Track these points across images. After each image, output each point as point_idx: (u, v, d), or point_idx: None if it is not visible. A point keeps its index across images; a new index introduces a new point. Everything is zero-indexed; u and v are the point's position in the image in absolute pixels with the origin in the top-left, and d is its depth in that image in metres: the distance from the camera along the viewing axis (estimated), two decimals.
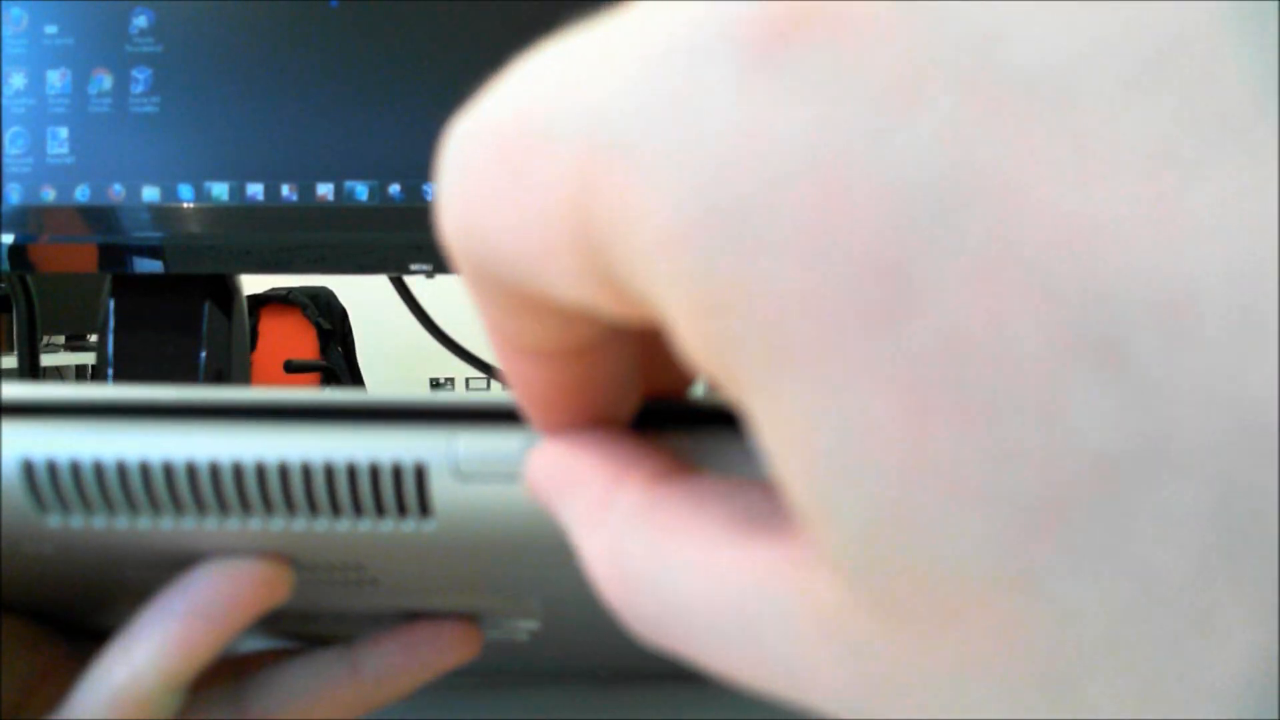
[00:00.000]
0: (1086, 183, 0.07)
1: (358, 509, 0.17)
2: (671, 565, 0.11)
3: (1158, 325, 0.07)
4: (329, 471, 0.17)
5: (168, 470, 0.17)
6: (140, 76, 0.49)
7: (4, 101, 0.49)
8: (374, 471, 0.17)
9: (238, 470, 0.17)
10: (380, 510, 0.17)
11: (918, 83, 0.07)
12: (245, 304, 0.61)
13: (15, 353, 1.49)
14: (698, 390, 0.16)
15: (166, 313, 0.56)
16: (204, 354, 0.56)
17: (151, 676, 0.18)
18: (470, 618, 0.23)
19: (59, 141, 0.50)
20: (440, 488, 0.17)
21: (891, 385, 0.07)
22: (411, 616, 0.23)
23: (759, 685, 0.10)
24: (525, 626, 0.24)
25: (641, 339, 0.14)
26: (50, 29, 0.49)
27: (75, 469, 0.17)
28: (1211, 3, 0.07)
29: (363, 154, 0.50)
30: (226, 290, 0.57)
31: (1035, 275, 0.07)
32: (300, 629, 0.24)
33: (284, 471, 0.17)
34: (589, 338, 0.12)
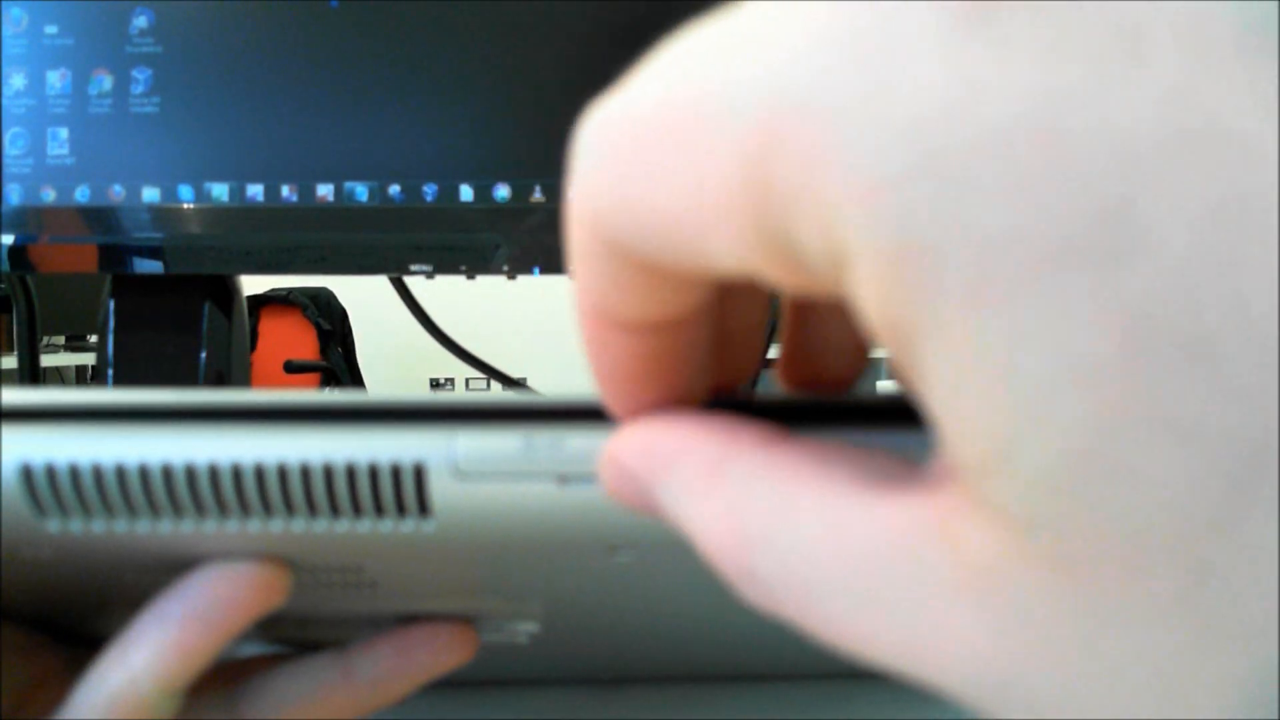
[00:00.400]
0: None
1: (357, 509, 0.17)
2: (798, 523, 0.11)
3: None
4: (328, 472, 0.17)
5: (166, 473, 0.17)
6: (140, 77, 0.49)
7: (4, 102, 0.49)
8: (373, 472, 0.17)
9: (236, 472, 0.17)
10: (379, 510, 0.17)
11: (1136, 42, 0.08)
12: (245, 304, 0.61)
13: (15, 353, 1.49)
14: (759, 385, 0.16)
15: (166, 313, 0.56)
16: (204, 354, 0.56)
17: (149, 680, 0.18)
18: (466, 620, 0.23)
19: (59, 142, 0.50)
20: (439, 487, 0.17)
21: (1111, 320, 0.08)
22: (407, 620, 0.23)
23: (879, 654, 0.10)
24: (525, 629, 0.24)
25: (721, 321, 0.14)
26: (50, 29, 0.49)
27: (74, 473, 0.17)
28: None
29: (363, 154, 0.50)
30: (226, 290, 0.57)
31: (1266, 219, 0.07)
32: (296, 634, 0.24)
33: (283, 473, 0.17)
34: (690, 307, 0.12)
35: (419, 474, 0.17)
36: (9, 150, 0.50)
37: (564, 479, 0.16)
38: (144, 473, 0.17)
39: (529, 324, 4.88)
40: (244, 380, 0.60)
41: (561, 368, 4.88)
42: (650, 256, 0.11)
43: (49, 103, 0.49)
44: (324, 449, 0.17)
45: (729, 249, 0.10)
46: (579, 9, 0.49)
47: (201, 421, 0.17)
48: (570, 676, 0.33)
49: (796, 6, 0.09)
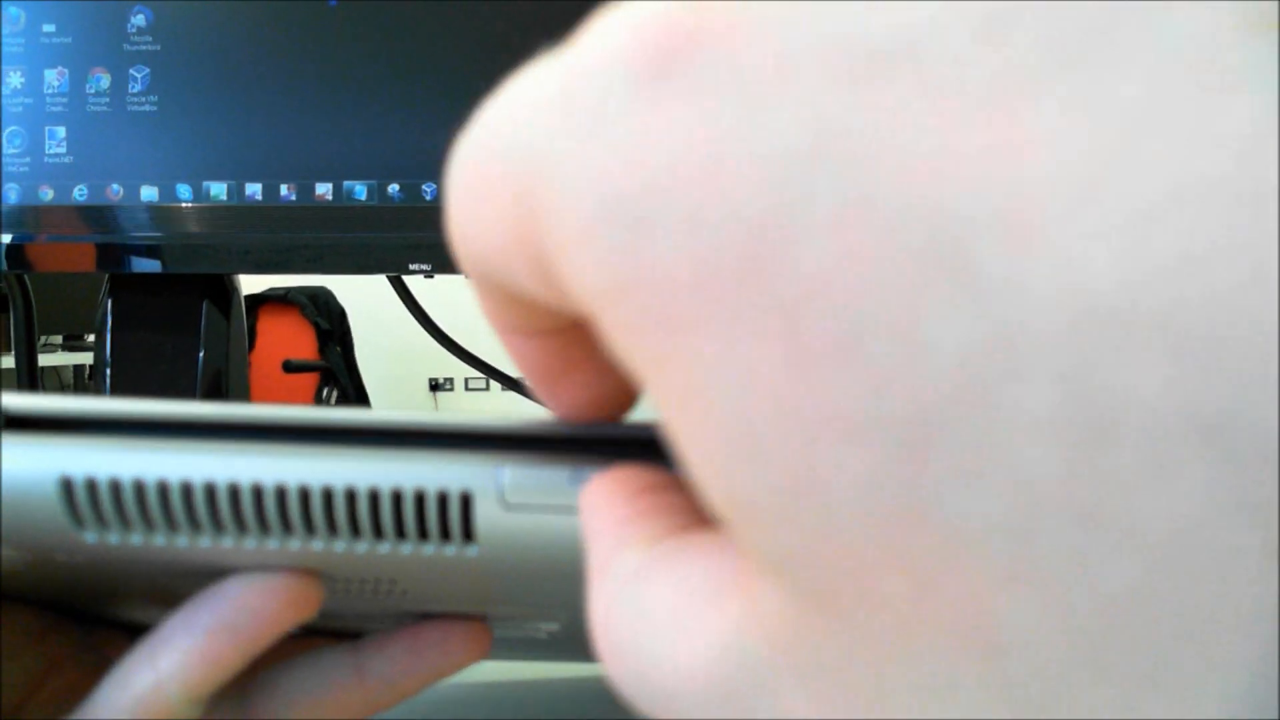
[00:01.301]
0: (934, 126, 0.08)
1: (400, 533, 0.17)
2: (653, 638, 0.11)
3: (998, 230, 0.07)
4: (373, 496, 0.17)
5: (209, 491, 0.17)
6: (138, 76, 0.49)
7: (2, 101, 0.49)
8: (419, 498, 0.17)
9: (281, 493, 0.17)
10: (423, 535, 0.17)
11: (782, 71, 0.08)
12: (243, 304, 0.61)
13: (13, 353, 1.49)
14: None
15: (164, 313, 0.56)
16: (202, 354, 0.56)
17: (175, 686, 0.18)
18: (480, 619, 0.23)
19: (57, 141, 0.49)
20: (485, 516, 0.17)
21: (771, 334, 0.08)
22: (421, 616, 0.23)
23: None
24: (545, 628, 0.24)
25: None
26: (48, 28, 0.49)
27: (115, 487, 0.17)
28: None
29: (361, 153, 0.50)
30: (225, 290, 0.57)
31: (887, 209, 0.07)
32: (313, 623, 0.24)
33: (328, 495, 0.17)
34: (566, 319, 0.13)
35: (465, 502, 0.17)
36: (7, 149, 0.49)
37: None
38: (187, 490, 0.17)
39: None
40: (242, 380, 0.59)
41: None
42: (496, 280, 0.12)
43: (47, 101, 0.49)
44: (370, 474, 0.17)
45: (524, 280, 0.11)
46: (578, 8, 0.49)
47: (247, 439, 0.17)
48: (581, 658, 0.33)
49: (546, 69, 0.10)
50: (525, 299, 0.12)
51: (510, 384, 0.69)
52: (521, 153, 0.10)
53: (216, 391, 0.56)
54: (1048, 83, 0.07)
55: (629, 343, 0.09)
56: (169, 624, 0.19)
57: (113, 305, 0.55)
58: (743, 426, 0.08)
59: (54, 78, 0.49)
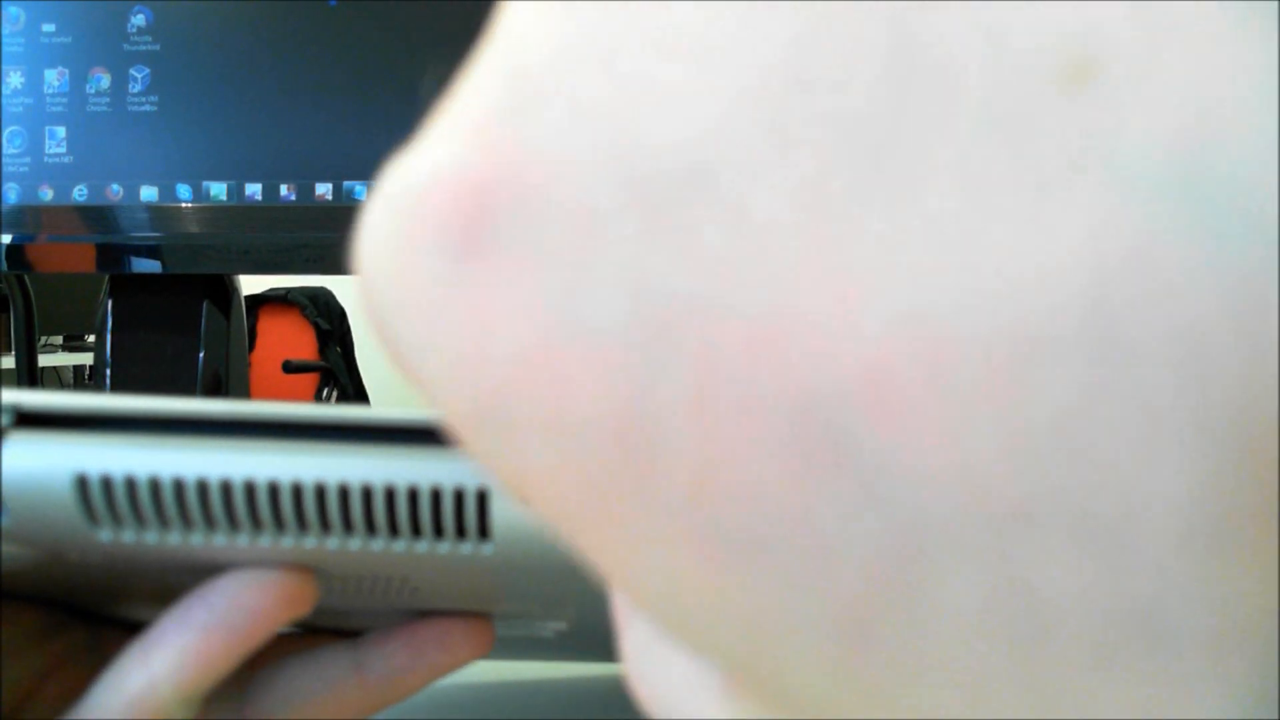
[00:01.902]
0: (758, 278, 0.07)
1: (416, 531, 0.17)
2: (676, 696, 0.11)
3: (867, 405, 0.06)
4: (389, 494, 0.17)
5: (225, 489, 0.17)
6: (138, 75, 0.49)
7: (2, 101, 0.49)
8: (435, 495, 0.17)
9: (297, 490, 0.17)
10: (439, 532, 0.17)
11: (588, 225, 0.07)
12: (243, 304, 0.61)
13: (13, 353, 1.49)
14: None
15: (164, 313, 0.56)
16: (202, 354, 0.56)
17: (168, 685, 0.18)
18: (483, 616, 0.22)
19: (57, 141, 0.49)
20: (501, 512, 0.17)
21: (676, 538, 0.07)
22: (423, 613, 0.22)
23: None
24: (553, 627, 0.24)
25: None
26: (48, 27, 0.49)
27: (130, 485, 0.16)
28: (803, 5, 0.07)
29: (361, 153, 0.50)
30: (225, 290, 0.57)
31: (745, 393, 0.07)
32: (312, 619, 0.24)
33: (344, 493, 0.17)
34: None
35: (482, 499, 0.17)
36: (7, 149, 0.49)
37: None
38: (202, 487, 0.16)
39: None
40: (242, 380, 0.59)
41: None
42: None
43: (47, 101, 0.49)
44: (386, 471, 0.17)
45: None
46: None
47: (262, 437, 0.17)
48: (586, 656, 0.33)
49: (382, 207, 0.09)
50: None
51: None
52: (373, 314, 0.10)
53: (216, 392, 0.56)
54: (858, 199, 0.06)
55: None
56: (162, 622, 0.19)
57: (113, 305, 0.55)
58: (680, 616, 0.08)
59: (54, 78, 0.49)
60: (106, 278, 0.55)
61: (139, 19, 0.49)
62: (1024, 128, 0.06)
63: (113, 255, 0.50)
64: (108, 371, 0.55)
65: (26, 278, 1.45)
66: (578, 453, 0.08)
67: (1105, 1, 0.06)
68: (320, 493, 0.17)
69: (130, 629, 0.22)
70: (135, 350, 0.56)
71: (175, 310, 0.56)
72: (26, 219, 0.50)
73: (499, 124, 0.08)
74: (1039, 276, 0.06)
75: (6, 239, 0.50)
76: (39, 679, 0.21)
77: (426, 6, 0.49)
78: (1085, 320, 0.06)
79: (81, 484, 0.16)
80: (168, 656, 0.18)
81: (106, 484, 0.16)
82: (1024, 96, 0.06)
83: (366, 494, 0.17)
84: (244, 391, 0.60)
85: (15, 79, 0.49)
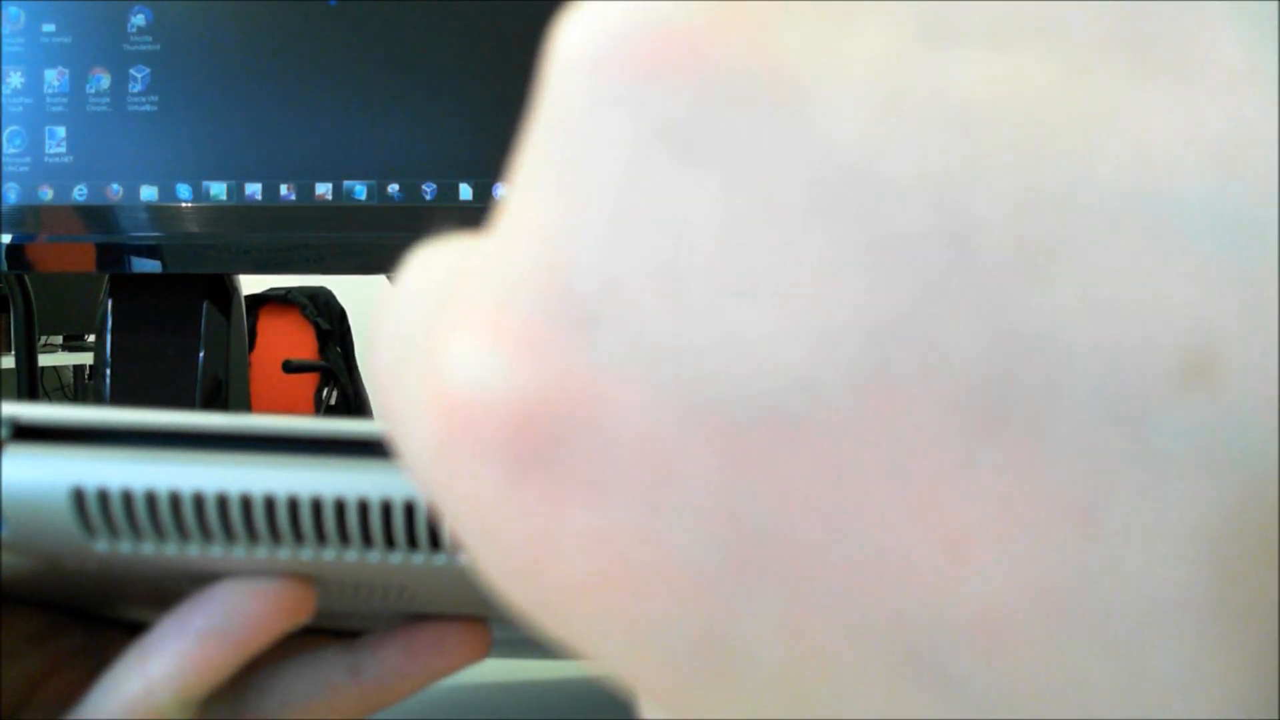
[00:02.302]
0: (853, 518, 0.07)
1: (413, 543, 0.17)
2: None
3: (970, 644, 0.07)
4: (385, 508, 0.17)
5: (222, 502, 0.17)
6: (138, 75, 0.49)
7: (2, 100, 0.49)
8: (431, 509, 0.17)
9: (293, 504, 0.17)
10: (435, 545, 0.17)
11: (663, 453, 0.07)
12: (243, 304, 0.61)
13: (13, 353, 1.49)
14: None
15: (164, 313, 0.56)
16: (202, 354, 0.56)
17: (165, 691, 0.18)
18: (479, 620, 0.22)
19: (57, 140, 0.49)
20: None
21: None
22: (419, 616, 0.22)
23: None
24: None
25: None
26: (48, 27, 0.49)
27: (127, 498, 0.17)
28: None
29: (361, 153, 0.50)
30: (225, 290, 0.57)
31: (847, 624, 0.07)
32: (309, 622, 0.24)
33: (340, 506, 0.17)
34: None
35: None
36: (7, 149, 0.49)
37: None
38: (199, 501, 0.17)
39: None
40: (242, 380, 0.59)
41: None
42: None
43: (47, 101, 0.49)
44: (383, 485, 0.17)
45: None
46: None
47: (259, 450, 0.17)
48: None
49: (416, 386, 0.09)
50: None
51: None
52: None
53: (217, 391, 0.56)
54: (965, 466, 0.07)
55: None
56: (160, 627, 0.19)
57: (113, 305, 0.55)
58: None
59: (54, 77, 0.49)
60: (106, 278, 0.55)
61: (139, 19, 0.49)
62: (1140, 419, 0.06)
63: (113, 255, 0.50)
64: (108, 371, 0.55)
65: (26, 278, 1.46)
66: (655, 657, 0.08)
67: (1215, 290, 0.06)
68: (316, 507, 0.17)
69: (129, 630, 0.22)
70: (135, 350, 0.56)
71: (175, 310, 0.56)
72: (26, 219, 0.50)
73: (549, 343, 0.08)
74: (1160, 558, 0.06)
75: (6, 239, 0.50)
76: (37, 680, 0.21)
77: (426, 6, 0.49)
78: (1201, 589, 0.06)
79: (78, 497, 0.17)
80: (165, 662, 0.18)
81: (103, 497, 0.17)
82: (1140, 389, 0.06)
83: (362, 508, 0.17)
84: (244, 391, 0.60)
85: (15, 79, 0.49)
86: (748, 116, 0.07)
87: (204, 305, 0.56)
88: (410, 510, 0.17)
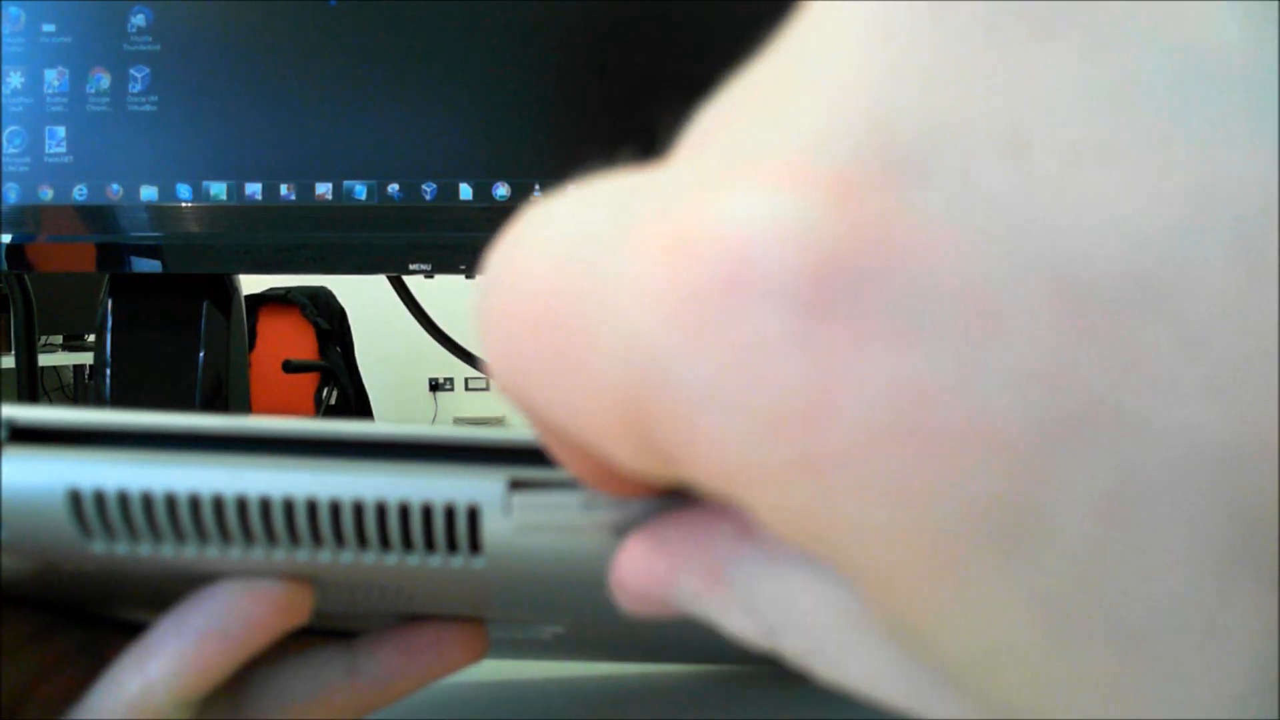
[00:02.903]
0: (1217, 385, 0.07)
1: (408, 545, 0.17)
2: (802, 606, 0.11)
3: None
4: (381, 510, 0.17)
5: (217, 504, 0.17)
6: (138, 75, 0.49)
7: (2, 100, 0.49)
8: (426, 511, 0.17)
9: (289, 505, 0.17)
10: (430, 546, 0.17)
11: (993, 308, 0.07)
12: (244, 303, 0.61)
13: (13, 353, 1.49)
14: None
15: (165, 312, 0.56)
16: (202, 354, 0.56)
17: (164, 692, 0.18)
18: (478, 621, 0.22)
19: (57, 140, 0.49)
20: (492, 530, 0.17)
21: (1032, 614, 0.07)
22: (416, 616, 0.23)
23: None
24: (550, 630, 0.24)
25: None
26: (48, 27, 0.49)
27: (123, 500, 0.17)
28: None
29: (361, 153, 0.50)
30: (225, 290, 0.57)
31: (1180, 503, 0.07)
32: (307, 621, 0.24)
33: (335, 508, 0.17)
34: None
35: (473, 515, 0.17)
36: (7, 149, 0.49)
37: (620, 531, 0.16)
38: (195, 502, 0.17)
39: None
40: (242, 380, 0.59)
41: None
42: (569, 438, 0.11)
43: (47, 101, 0.49)
44: (378, 487, 0.17)
45: (617, 454, 0.10)
46: (578, 8, 0.49)
47: (255, 451, 0.17)
48: (585, 656, 0.33)
49: (678, 250, 0.08)
50: (598, 452, 0.11)
51: None
52: (636, 363, 0.09)
53: (217, 391, 0.56)
54: None
55: (821, 556, 0.09)
56: (159, 628, 0.19)
57: (113, 305, 0.55)
58: (1001, 684, 0.08)
59: (54, 77, 0.49)
60: (106, 278, 0.55)
61: (139, 19, 0.49)
62: None
63: (113, 255, 0.50)
64: (108, 371, 0.55)
65: (26, 278, 1.45)
66: (935, 529, 0.07)
67: None
68: (312, 508, 0.17)
69: (128, 630, 0.22)
70: (135, 350, 0.56)
71: (175, 310, 0.56)
72: (26, 219, 0.50)
73: (866, 189, 0.07)
74: None
75: (6, 239, 0.50)
76: (35, 679, 0.21)
77: (426, 6, 0.49)
78: None
79: (75, 499, 0.17)
80: (164, 663, 0.18)
81: (99, 499, 0.17)
82: None
83: (358, 510, 0.17)
84: (244, 391, 0.60)
85: (15, 79, 0.49)
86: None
87: (204, 305, 0.56)
88: (405, 513, 0.17)
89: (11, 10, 0.49)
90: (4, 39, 0.49)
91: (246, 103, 0.49)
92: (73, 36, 0.49)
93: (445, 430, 0.17)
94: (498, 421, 4.89)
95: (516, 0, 0.49)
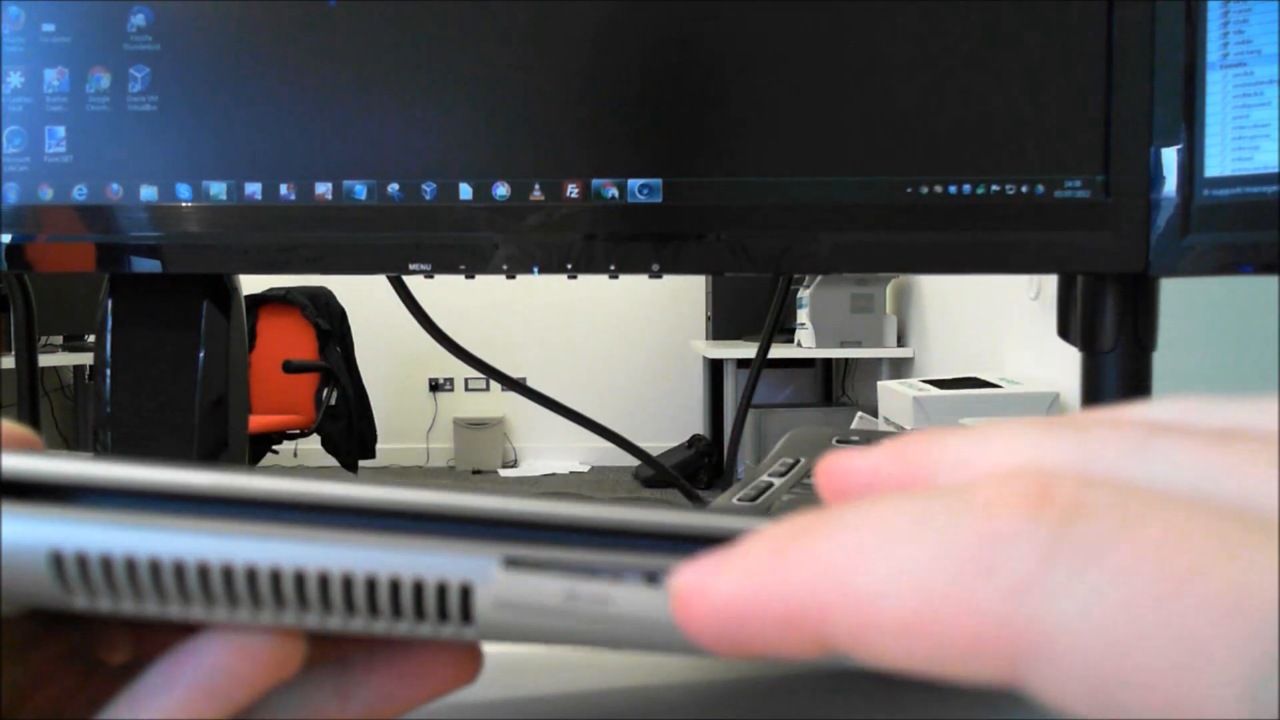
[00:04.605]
0: None
1: (397, 614, 0.17)
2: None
3: None
4: (371, 583, 0.17)
5: (203, 571, 0.17)
6: (138, 75, 0.49)
7: (1, 100, 0.49)
8: (418, 586, 0.17)
9: (275, 576, 0.17)
10: (420, 616, 0.17)
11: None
12: (244, 304, 0.61)
13: (13, 353, 1.49)
14: None
15: (164, 313, 0.55)
16: (202, 354, 0.56)
17: None
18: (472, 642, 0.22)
19: (56, 140, 0.49)
20: (484, 606, 0.17)
21: None
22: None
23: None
24: None
25: None
26: (48, 27, 0.49)
27: (106, 563, 0.17)
28: None
29: (361, 152, 0.50)
30: (225, 290, 0.57)
31: None
32: None
33: (324, 580, 0.17)
34: None
35: (465, 593, 0.17)
36: (6, 148, 0.49)
37: (605, 624, 0.17)
38: (179, 569, 0.17)
39: (528, 323, 4.88)
40: (242, 381, 0.59)
41: (560, 367, 4.88)
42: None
43: (46, 101, 0.49)
44: (370, 560, 0.17)
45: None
46: (577, 8, 0.49)
47: (243, 516, 0.17)
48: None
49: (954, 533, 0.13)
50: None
51: (510, 384, 0.69)
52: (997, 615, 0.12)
53: (217, 391, 0.56)
54: None
55: None
56: (148, 680, 0.19)
57: (113, 305, 0.55)
58: None
59: (54, 77, 0.49)
60: (106, 277, 0.55)
61: (139, 19, 0.49)
62: None
63: (112, 255, 0.50)
64: (108, 371, 0.55)
65: (26, 278, 1.45)
66: None
67: None
68: (300, 579, 0.17)
69: (119, 628, 0.22)
70: (135, 350, 0.56)
71: (175, 310, 0.56)
72: (26, 218, 0.50)
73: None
74: None
75: (6, 239, 0.50)
76: (30, 686, 0.21)
77: (426, 6, 0.49)
78: None
79: (57, 560, 0.17)
80: (154, 713, 0.19)
81: (82, 561, 0.17)
82: None
83: (347, 582, 0.17)
84: (244, 392, 0.60)
85: (15, 78, 0.49)
86: None
87: (204, 305, 0.56)
88: (396, 586, 0.17)
89: (11, 10, 0.49)
90: (4, 39, 0.49)
91: (246, 103, 0.49)
92: (72, 36, 0.49)
93: (441, 497, 0.17)
94: (497, 422, 4.89)
95: (516, 0, 0.49)
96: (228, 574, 0.17)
